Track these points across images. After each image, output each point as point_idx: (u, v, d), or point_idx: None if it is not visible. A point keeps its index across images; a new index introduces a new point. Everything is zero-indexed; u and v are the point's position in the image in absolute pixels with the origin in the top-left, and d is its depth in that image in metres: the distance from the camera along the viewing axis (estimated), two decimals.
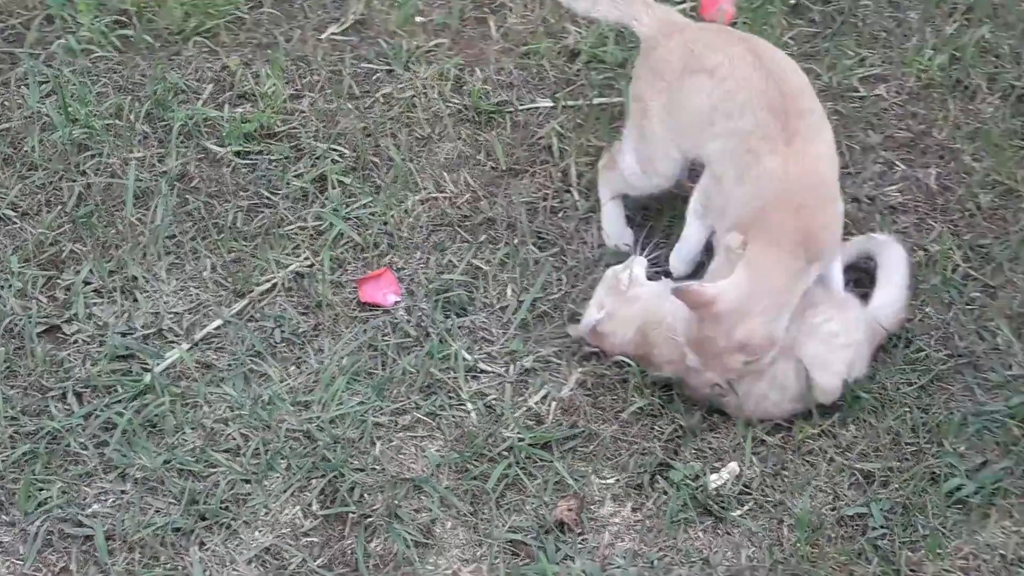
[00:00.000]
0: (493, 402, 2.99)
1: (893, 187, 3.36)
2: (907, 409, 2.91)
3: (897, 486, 2.81)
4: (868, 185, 3.36)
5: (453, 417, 2.97)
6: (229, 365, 3.04)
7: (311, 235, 3.28)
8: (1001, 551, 2.71)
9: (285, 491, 2.86)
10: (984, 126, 3.42)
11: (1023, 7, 3.72)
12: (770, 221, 2.81)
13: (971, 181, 3.34)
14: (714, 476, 2.85)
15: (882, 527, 2.75)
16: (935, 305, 3.10)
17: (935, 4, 3.74)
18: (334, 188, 3.36)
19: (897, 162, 3.41)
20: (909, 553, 2.71)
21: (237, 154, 3.42)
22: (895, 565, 2.70)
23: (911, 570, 2.69)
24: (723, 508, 2.81)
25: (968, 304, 3.09)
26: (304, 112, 3.52)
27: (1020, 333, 3.02)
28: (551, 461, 2.89)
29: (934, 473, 2.82)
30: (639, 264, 3.04)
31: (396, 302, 3.16)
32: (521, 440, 2.91)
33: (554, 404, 2.98)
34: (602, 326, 2.99)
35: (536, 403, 2.98)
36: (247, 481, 2.87)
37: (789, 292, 2.81)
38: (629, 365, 2.99)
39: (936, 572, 2.69)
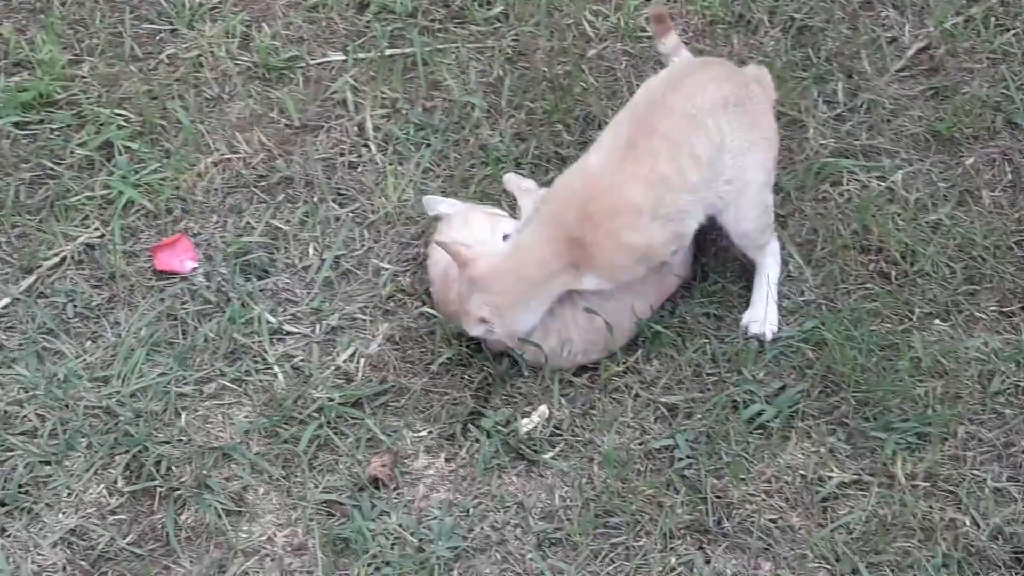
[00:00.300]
0: (300, 363, 2.96)
1: None
2: (706, 340, 2.98)
3: (700, 416, 2.88)
4: None
5: (260, 382, 2.93)
6: (20, 344, 2.94)
7: (100, 205, 3.18)
8: (801, 471, 2.81)
9: (87, 470, 2.79)
10: (767, 59, 3.50)
11: None
12: (556, 215, 2.83)
13: None
14: (525, 421, 2.88)
15: (688, 457, 2.82)
16: (728, 238, 3.17)
17: None
18: (121, 155, 3.26)
19: None
20: (715, 480, 2.79)
21: (16, 125, 3.29)
22: (701, 493, 2.77)
23: (717, 496, 2.77)
24: (535, 451, 2.84)
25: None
26: (85, 77, 3.40)
27: (810, 259, 3.11)
28: (362, 419, 2.88)
29: (735, 401, 2.90)
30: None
31: (194, 268, 3.09)
32: (331, 400, 2.89)
33: (362, 361, 2.96)
34: (436, 237, 2.97)
35: (344, 361, 2.96)
36: (47, 463, 2.79)
37: (540, 288, 2.82)
38: (436, 316, 2.99)
39: (741, 496, 2.77)
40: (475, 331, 2.84)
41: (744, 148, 2.89)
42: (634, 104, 2.90)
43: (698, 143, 2.84)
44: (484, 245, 2.89)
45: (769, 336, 2.98)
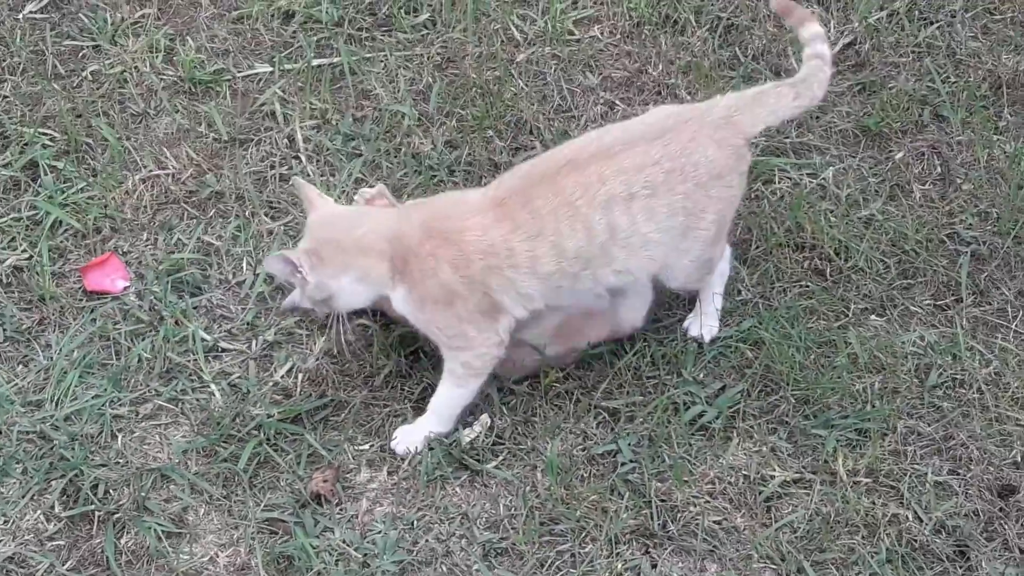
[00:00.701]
0: (238, 380, 2.92)
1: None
2: (645, 343, 2.98)
3: (642, 420, 2.88)
4: (591, 127, 3.40)
5: (197, 400, 2.90)
6: None
7: (26, 226, 3.13)
8: (744, 471, 2.82)
9: (23, 496, 2.74)
10: (695, 59, 3.51)
11: None
12: (410, 212, 2.76)
13: None
14: (467, 431, 2.86)
15: (631, 461, 2.82)
16: None
17: None
18: (46, 174, 3.20)
19: (617, 101, 3.46)
20: (658, 483, 2.79)
21: None
22: (646, 496, 2.77)
23: (661, 500, 2.77)
24: (478, 461, 2.83)
25: None
26: (7, 97, 3.34)
27: (745, 259, 3.13)
28: (302, 434, 2.85)
29: (676, 403, 2.90)
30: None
31: (125, 287, 3.04)
32: (270, 417, 2.86)
33: (301, 376, 2.93)
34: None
35: (282, 377, 2.93)
36: None
37: (358, 262, 2.71)
38: (371, 328, 2.97)
39: (685, 499, 2.77)
40: (274, 267, 2.72)
41: (656, 239, 2.74)
42: (558, 152, 2.78)
43: (569, 236, 2.70)
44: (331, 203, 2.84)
45: (707, 339, 2.98)
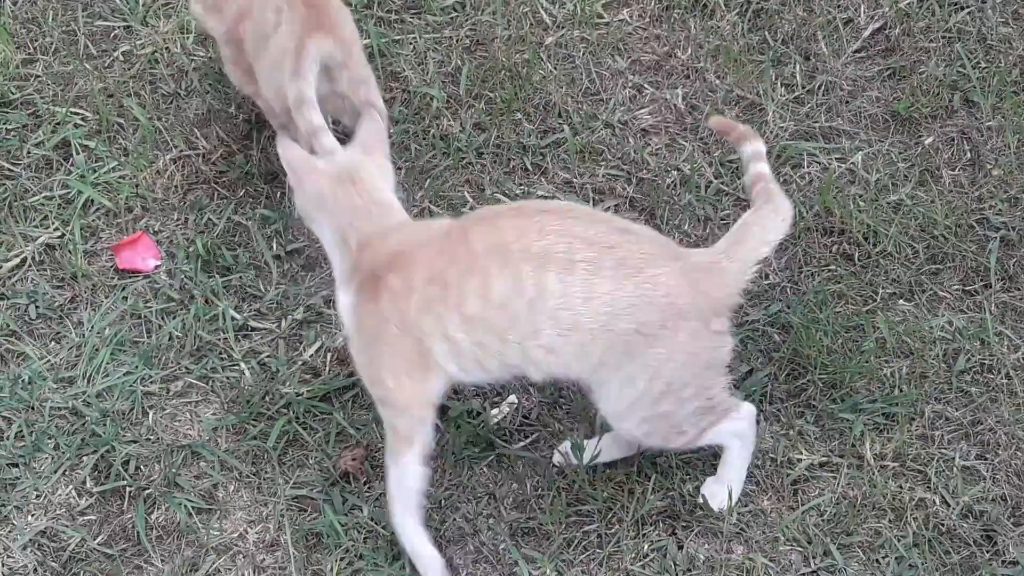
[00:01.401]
0: (267, 359, 2.94)
1: (644, 110, 3.41)
2: None
3: None
4: (620, 110, 3.40)
5: (227, 378, 2.91)
6: None
7: (59, 204, 3.15)
8: (771, 455, 2.82)
9: (56, 471, 2.76)
10: (724, 43, 3.51)
11: None
12: (387, 226, 2.58)
13: (716, 98, 3.43)
14: (494, 411, 2.87)
15: None
16: (692, 223, 3.18)
17: None
18: (79, 154, 3.22)
19: (645, 85, 3.47)
20: (685, 465, 2.80)
21: None
22: (673, 480, 2.78)
23: (687, 482, 2.78)
24: (505, 441, 2.84)
25: (723, 220, 3.19)
26: (39, 76, 3.36)
27: None
28: (331, 413, 2.86)
29: None
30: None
31: (156, 266, 3.06)
32: (299, 395, 2.87)
33: (329, 355, 2.95)
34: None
35: (311, 356, 2.95)
36: (14, 465, 2.76)
37: (322, 215, 2.58)
38: None
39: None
40: (284, 153, 2.59)
41: (588, 329, 2.43)
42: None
43: (497, 277, 2.43)
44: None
45: (715, 508, 2.72)
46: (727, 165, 3.29)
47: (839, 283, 3.06)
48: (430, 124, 3.33)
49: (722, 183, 3.26)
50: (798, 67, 3.45)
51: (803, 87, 3.42)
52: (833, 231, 3.15)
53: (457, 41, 3.50)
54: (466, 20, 3.54)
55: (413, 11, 3.57)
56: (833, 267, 3.09)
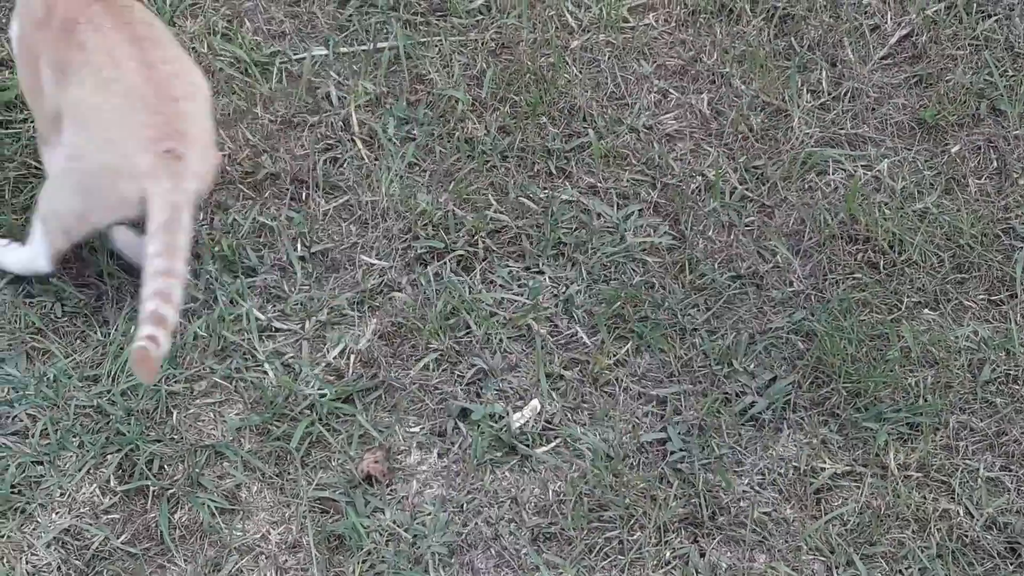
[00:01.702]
0: (291, 360, 2.95)
1: (669, 115, 3.41)
2: (697, 332, 2.99)
3: (692, 409, 2.89)
4: (645, 115, 3.40)
5: (251, 379, 2.92)
6: (9, 345, 2.92)
7: None
8: (795, 463, 2.82)
9: (80, 469, 2.77)
10: (750, 48, 3.50)
11: None
12: None
13: (741, 104, 3.43)
14: (517, 415, 2.88)
15: (681, 450, 2.83)
16: (716, 229, 3.18)
17: None
18: None
19: (671, 90, 3.46)
20: (708, 475, 2.80)
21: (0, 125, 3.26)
22: (695, 487, 2.78)
23: (709, 491, 2.78)
24: (527, 446, 2.84)
25: (747, 226, 3.18)
26: None
27: (797, 250, 3.12)
28: (354, 415, 2.87)
29: (727, 393, 2.90)
30: None
31: None
32: (322, 396, 2.88)
33: (353, 357, 2.96)
34: None
35: (335, 357, 2.96)
36: (39, 463, 2.77)
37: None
38: (413, 305, 2.98)
39: (734, 491, 2.78)
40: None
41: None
42: None
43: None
44: None
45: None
46: (752, 171, 3.29)
47: (864, 291, 3.05)
48: (455, 127, 3.33)
49: (747, 189, 3.25)
50: (824, 73, 3.45)
51: (829, 93, 3.42)
52: (858, 239, 3.14)
53: (482, 44, 3.50)
54: (491, 23, 3.54)
55: (439, 14, 3.57)
56: (858, 275, 3.09)
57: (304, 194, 3.21)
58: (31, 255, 2.88)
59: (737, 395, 2.90)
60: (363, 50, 3.46)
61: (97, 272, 3.04)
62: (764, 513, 2.76)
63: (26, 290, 3.01)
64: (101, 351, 2.93)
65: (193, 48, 3.44)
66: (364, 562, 2.69)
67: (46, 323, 2.96)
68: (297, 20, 3.55)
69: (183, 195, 2.65)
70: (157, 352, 2.54)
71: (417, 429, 2.87)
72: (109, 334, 2.95)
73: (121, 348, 2.91)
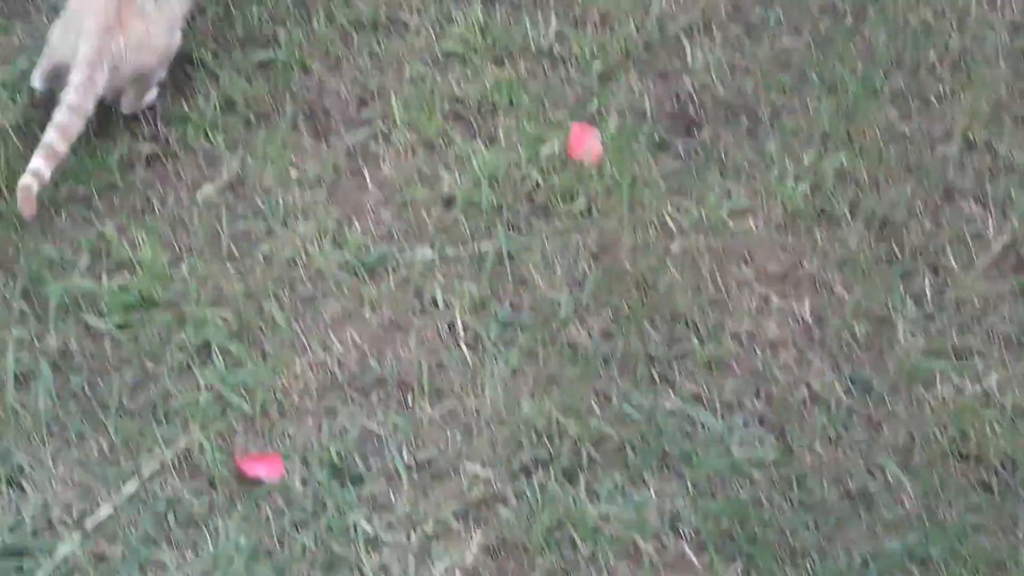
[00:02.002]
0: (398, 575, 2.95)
1: (770, 321, 3.42)
2: (808, 555, 2.95)
3: None
4: (747, 320, 3.41)
5: None
6: (123, 555, 2.95)
7: (199, 408, 3.21)
8: None
9: None
10: (851, 254, 3.51)
11: (877, 132, 3.83)
12: None
13: (844, 312, 3.42)
14: None
15: None
16: (824, 446, 3.16)
17: (792, 133, 3.81)
18: (219, 356, 3.30)
19: (772, 295, 3.47)
20: None
21: (118, 326, 3.34)
22: None
23: None
24: None
25: (856, 442, 3.16)
26: (184, 277, 3.45)
27: (907, 466, 3.09)
28: None
29: None
30: None
31: (280, 476, 3.09)
32: None
33: (458, 573, 2.95)
34: None
35: (440, 574, 2.95)
36: None
37: None
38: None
39: None
40: None
41: None
42: None
43: None
44: None
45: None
46: (858, 384, 3.27)
47: (979, 513, 3.00)
48: (558, 331, 3.36)
49: (852, 401, 3.24)
50: (927, 280, 3.44)
51: (933, 303, 3.41)
52: (969, 457, 3.11)
53: (584, 247, 3.54)
54: (592, 225, 3.59)
55: (541, 215, 3.63)
56: (972, 496, 3.04)
57: (410, 399, 3.25)
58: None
59: None
60: (467, 254, 3.52)
61: (209, 480, 3.07)
62: None
63: (141, 497, 3.03)
64: (212, 563, 2.93)
65: (304, 250, 3.51)
66: None
67: (159, 532, 2.98)
68: (404, 221, 3.63)
69: (114, 50, 3.48)
70: (37, 189, 3.40)
71: None
72: (219, 544, 2.96)
73: (231, 559, 2.92)
